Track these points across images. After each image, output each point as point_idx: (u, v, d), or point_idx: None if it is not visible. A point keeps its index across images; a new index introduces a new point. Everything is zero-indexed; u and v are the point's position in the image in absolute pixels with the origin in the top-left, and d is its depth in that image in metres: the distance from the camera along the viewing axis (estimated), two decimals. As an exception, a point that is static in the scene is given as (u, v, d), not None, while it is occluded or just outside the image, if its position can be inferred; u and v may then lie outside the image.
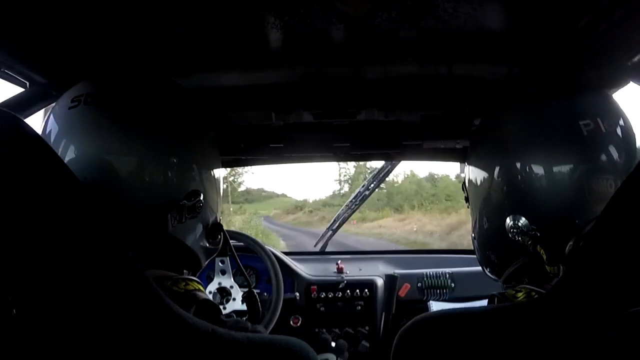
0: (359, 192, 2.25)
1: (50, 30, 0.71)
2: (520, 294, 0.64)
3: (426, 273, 1.58)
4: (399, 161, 2.00)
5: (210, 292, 1.45)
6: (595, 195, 0.62)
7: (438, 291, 1.56)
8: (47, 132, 0.62)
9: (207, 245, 0.73)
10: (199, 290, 0.62)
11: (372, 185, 2.19)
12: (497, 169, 0.70)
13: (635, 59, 0.78)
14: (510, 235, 0.67)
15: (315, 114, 1.08)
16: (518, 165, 0.67)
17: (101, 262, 0.41)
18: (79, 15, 0.67)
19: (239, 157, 1.35)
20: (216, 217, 0.75)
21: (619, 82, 0.85)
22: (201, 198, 0.66)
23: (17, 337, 0.39)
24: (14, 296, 0.38)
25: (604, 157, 0.63)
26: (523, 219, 0.65)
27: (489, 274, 0.79)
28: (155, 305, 0.44)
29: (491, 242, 0.75)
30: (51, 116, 0.64)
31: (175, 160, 0.64)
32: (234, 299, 1.45)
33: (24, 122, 0.42)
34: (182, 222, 0.64)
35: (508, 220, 0.67)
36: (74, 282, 0.40)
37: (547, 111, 0.67)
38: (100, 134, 0.60)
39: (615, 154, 0.63)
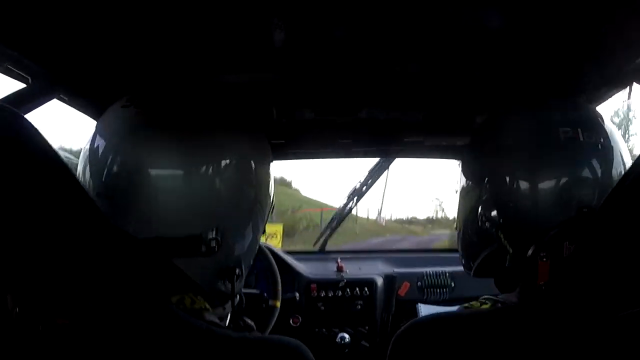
0: (355, 189, 2.24)
1: (54, 25, 0.71)
2: (485, 307, 0.65)
3: (426, 272, 1.57)
4: (394, 158, 1.99)
5: None
6: (561, 203, 0.64)
7: (438, 290, 1.55)
8: (96, 135, 0.60)
9: (222, 289, 0.61)
10: (206, 309, 0.56)
11: (368, 182, 2.18)
12: (480, 172, 0.74)
13: (638, 60, 0.78)
14: (479, 223, 0.70)
15: (317, 111, 1.08)
16: (499, 171, 0.70)
17: (93, 256, 0.41)
18: (82, 10, 0.67)
19: None
20: (239, 259, 0.62)
21: (622, 84, 0.85)
22: (217, 236, 0.56)
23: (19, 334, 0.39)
24: (15, 294, 0.38)
25: (579, 169, 0.65)
26: (494, 211, 0.69)
27: (464, 267, 0.83)
28: (149, 300, 0.44)
29: (466, 233, 0.79)
30: (100, 119, 0.63)
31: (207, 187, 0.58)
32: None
33: (24, 117, 0.42)
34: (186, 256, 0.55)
35: (480, 208, 0.71)
36: (70, 275, 0.40)
37: (525, 121, 0.70)
38: (141, 141, 0.57)
39: (593, 167, 0.64)
